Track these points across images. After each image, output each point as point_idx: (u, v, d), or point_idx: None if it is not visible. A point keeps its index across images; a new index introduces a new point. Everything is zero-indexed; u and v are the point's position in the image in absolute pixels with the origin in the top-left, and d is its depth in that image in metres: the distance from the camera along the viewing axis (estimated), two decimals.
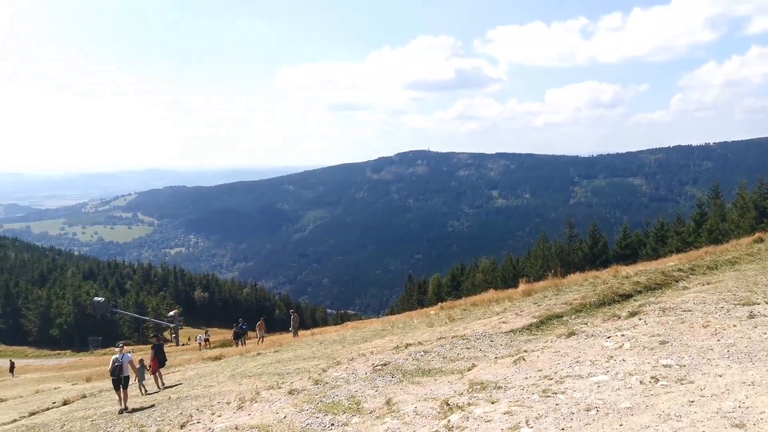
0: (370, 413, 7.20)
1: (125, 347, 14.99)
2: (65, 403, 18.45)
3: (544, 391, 6.49)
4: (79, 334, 65.08)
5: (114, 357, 13.91)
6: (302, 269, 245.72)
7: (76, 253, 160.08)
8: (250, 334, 41.73)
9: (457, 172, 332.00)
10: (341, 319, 79.88)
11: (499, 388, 7.04)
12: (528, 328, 11.48)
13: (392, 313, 57.18)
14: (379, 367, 10.06)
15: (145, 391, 15.87)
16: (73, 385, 27.02)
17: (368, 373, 9.74)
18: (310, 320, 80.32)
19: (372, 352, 12.46)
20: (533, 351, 8.97)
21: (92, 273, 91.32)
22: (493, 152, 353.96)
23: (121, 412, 12.89)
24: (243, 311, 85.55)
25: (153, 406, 13.04)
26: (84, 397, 19.32)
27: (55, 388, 26.64)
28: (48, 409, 18.03)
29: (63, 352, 62.50)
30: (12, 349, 64.43)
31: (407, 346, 12.14)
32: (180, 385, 16.47)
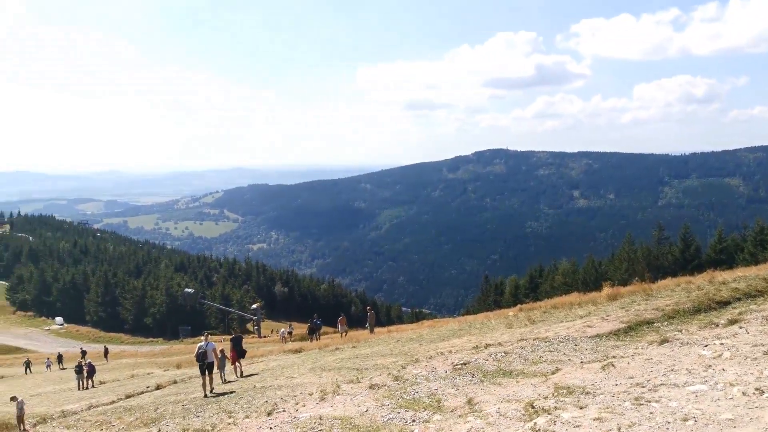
0: (451, 411, 7.17)
1: (210, 336, 16.15)
2: (158, 388, 19.68)
3: (636, 398, 6.21)
4: (171, 323, 69.00)
5: (199, 344, 15.12)
6: (378, 267, 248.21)
7: (169, 246, 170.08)
8: (327, 329, 42.72)
9: (537, 172, 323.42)
10: (416, 318, 79.99)
11: (587, 393, 6.80)
12: (615, 333, 11.02)
13: (468, 313, 56.55)
14: (459, 366, 10.00)
15: (225, 379, 16.74)
16: (164, 371, 28.73)
17: (448, 372, 9.71)
18: (385, 318, 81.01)
19: (450, 351, 12.40)
20: (623, 357, 8.60)
21: (183, 266, 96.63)
22: (575, 151, 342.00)
23: (205, 395, 14.19)
24: (320, 307, 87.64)
25: (234, 392, 13.98)
26: (175, 382, 20.53)
27: (149, 374, 28.44)
28: (142, 392, 19.30)
29: (155, 339, 66.51)
30: (110, 335, 69.43)
31: (486, 346, 12.00)
32: (256, 375, 17.24)
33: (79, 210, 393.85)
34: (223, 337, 39.07)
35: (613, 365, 8.05)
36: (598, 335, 11.04)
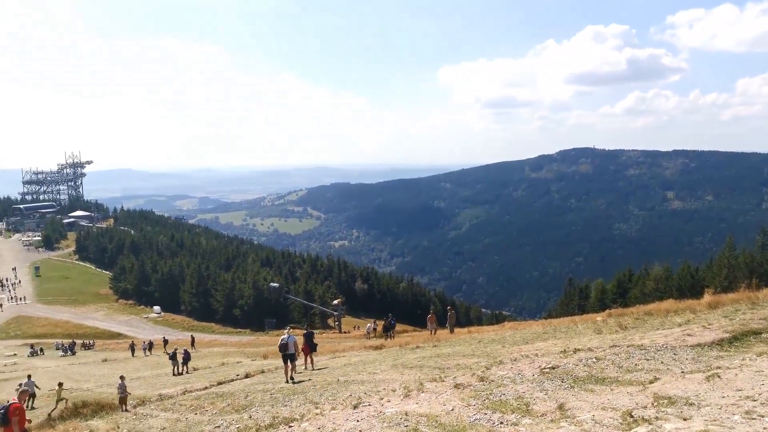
0: (541, 416, 6.98)
1: (291, 330, 17.14)
2: (247, 376, 20.56)
3: (747, 412, 5.76)
4: (257, 315, 71.86)
5: (282, 337, 16.53)
6: (457, 267, 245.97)
7: (255, 242, 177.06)
8: (406, 327, 42.91)
9: (626, 171, 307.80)
10: (496, 319, 78.54)
11: (690, 404, 6.40)
12: (719, 343, 10.29)
13: (550, 316, 54.79)
14: (547, 370, 9.72)
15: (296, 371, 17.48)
16: (252, 360, 29.98)
17: (535, 375, 9.46)
18: (465, 318, 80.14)
19: (536, 355, 12.08)
20: (729, 368, 8.01)
21: (268, 261, 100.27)
22: (669, 149, 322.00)
23: (287, 381, 15.71)
24: (400, 305, 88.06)
25: (310, 379, 15.28)
26: (262, 372, 21.36)
27: (237, 362, 29.77)
28: (232, 380, 20.23)
29: (243, 330, 69.50)
30: (202, 324, 73.30)
31: (575, 351, 11.57)
32: (326, 369, 17.76)
33: (176, 206, 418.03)
34: (297, 331, 40.15)
35: (718, 376, 7.52)
36: (699, 344, 10.36)
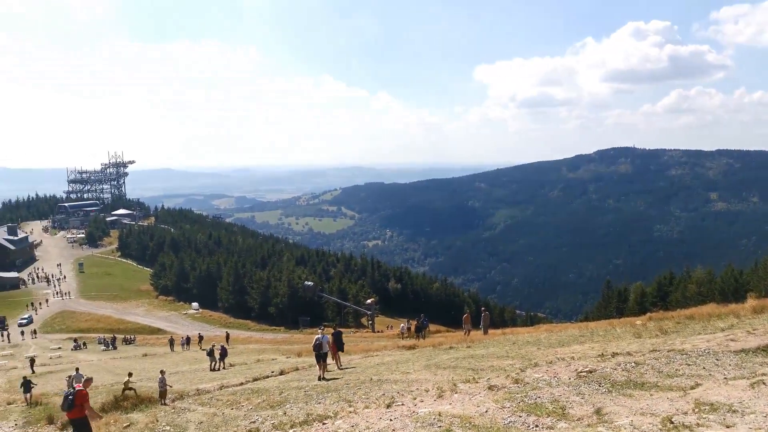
0: (577, 420, 6.87)
1: (326, 329, 17.34)
2: (281, 373, 20.80)
3: None
4: (292, 313, 72.68)
5: (317, 336, 17.06)
6: (491, 268, 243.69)
7: (291, 241, 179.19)
8: (439, 328, 42.74)
9: (667, 172, 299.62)
10: (531, 321, 77.52)
11: (734, 411, 6.20)
12: (764, 348, 9.94)
13: (587, 319, 53.72)
14: (584, 373, 9.55)
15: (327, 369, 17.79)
16: (287, 357, 30.30)
17: (572, 379, 9.31)
18: (499, 319, 79.35)
19: (573, 358, 11.89)
20: None
21: (303, 259, 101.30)
22: (713, 149, 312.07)
23: (320, 378, 16.15)
24: (433, 305, 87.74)
25: (342, 377, 15.48)
26: (297, 369, 21.58)
27: (273, 359, 30.12)
28: (267, 376, 20.49)
29: (278, 328, 70.39)
30: (238, 321, 74.55)
31: (614, 355, 11.34)
32: (358, 368, 17.88)
33: (214, 205, 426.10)
34: (342, 330, 40.38)
35: (764, 383, 7.27)
36: (743, 350, 10.02)
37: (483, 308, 37.33)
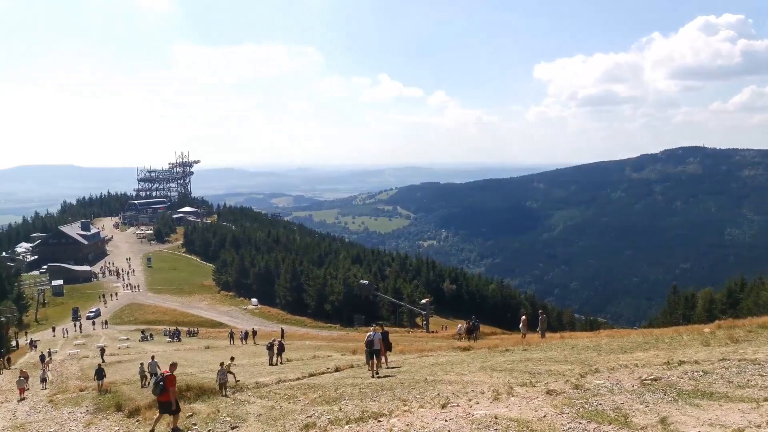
0: (641, 429, 6.63)
1: (378, 327, 18.39)
2: (336, 370, 21.05)
3: None
4: (347, 311, 73.49)
5: (369, 333, 17.41)
6: (549, 270, 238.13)
7: (347, 239, 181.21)
8: (494, 330, 42.11)
9: (740, 172, 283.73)
10: (590, 326, 75.17)
11: None
12: None
13: (651, 326, 51.64)
14: (648, 381, 9.20)
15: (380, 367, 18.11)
16: (342, 355, 30.65)
17: (635, 387, 8.98)
18: (556, 323, 77.40)
19: (636, 365, 11.47)
20: None
21: (359, 258, 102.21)
22: None
23: (372, 375, 16.53)
24: (488, 307, 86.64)
25: (396, 376, 15.66)
26: (352, 367, 21.78)
27: (328, 356, 30.54)
28: (323, 373, 20.78)
29: (333, 325, 71.39)
30: (295, 318, 76.09)
31: (680, 363, 10.86)
32: (400, 368, 17.94)
33: (273, 203, 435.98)
34: (396, 329, 40.53)
35: None
36: None
37: (540, 311, 36.52)
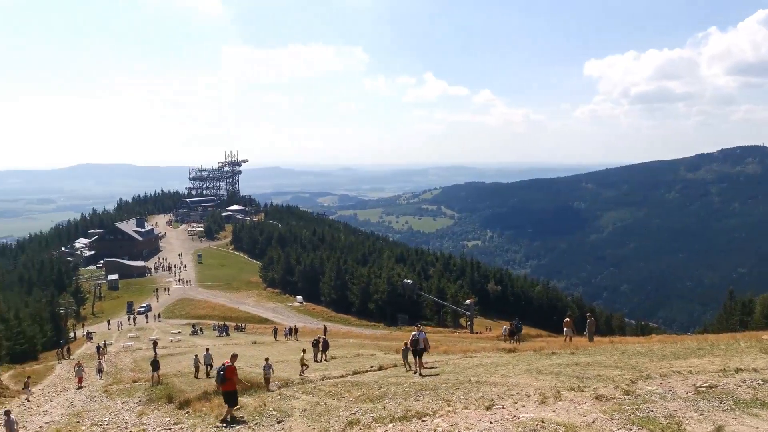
0: None
1: (422, 327, 18.90)
2: (380, 368, 21.13)
3: None
4: (390, 310, 73.65)
5: (413, 333, 17.76)
6: (598, 272, 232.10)
7: (390, 239, 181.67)
8: (540, 332, 41.32)
9: None
10: (641, 331, 72.91)
11: None
12: None
13: (705, 332, 49.71)
14: (703, 389, 8.86)
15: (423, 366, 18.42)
16: (385, 354, 30.71)
17: (689, 394, 8.67)
18: (605, 327, 75.46)
19: (690, 372, 11.07)
20: None
21: (402, 257, 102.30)
22: None
23: (415, 373, 16.94)
24: (534, 308, 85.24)
25: (438, 375, 15.85)
26: (395, 366, 21.81)
27: (372, 354, 30.68)
28: (367, 371, 20.90)
29: (377, 324, 71.63)
30: (339, 316, 76.76)
31: (737, 371, 10.42)
32: (443, 368, 17.87)
33: (318, 202, 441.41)
34: (440, 329, 40.34)
35: None
36: None
37: (588, 314, 35.65)
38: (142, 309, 73.07)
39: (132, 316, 68.96)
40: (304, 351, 23.06)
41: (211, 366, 25.01)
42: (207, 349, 27.31)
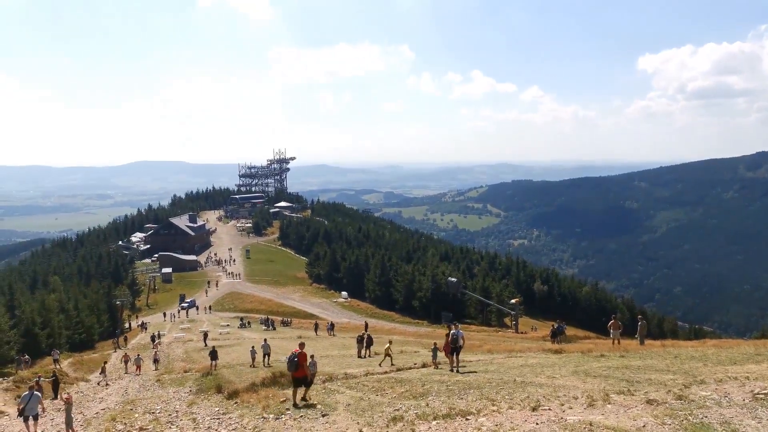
0: None
1: (458, 325, 19.19)
2: (423, 366, 21.02)
3: None
4: (434, 307, 73.32)
5: (452, 332, 18.17)
6: (650, 274, 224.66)
7: (435, 237, 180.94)
8: (588, 334, 40.33)
9: None
10: (695, 335, 70.18)
11: None
12: None
13: (764, 337, 47.50)
14: (762, 396, 8.49)
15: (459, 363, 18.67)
16: (429, 351, 30.70)
17: (746, 401, 8.33)
18: (656, 330, 73.07)
19: (748, 378, 10.62)
20: None
21: (447, 255, 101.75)
22: None
23: (451, 370, 17.59)
24: (581, 310, 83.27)
25: (483, 374, 15.89)
26: (439, 364, 21.81)
27: (415, 352, 30.71)
28: (410, 368, 20.92)
29: (421, 321, 71.52)
30: (383, 312, 77.01)
31: None
32: (465, 367, 17.90)
33: (364, 200, 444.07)
34: (485, 328, 39.73)
35: None
36: None
37: (639, 316, 34.60)
38: (186, 304, 74.07)
39: (178, 311, 70.98)
40: (390, 342, 24.16)
41: (269, 356, 27.09)
42: (265, 340, 29.12)
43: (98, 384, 27.10)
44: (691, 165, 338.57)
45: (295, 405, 13.21)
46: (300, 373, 13.65)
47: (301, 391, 13.87)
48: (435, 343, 20.74)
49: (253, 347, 28.48)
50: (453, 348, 17.95)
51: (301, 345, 14.24)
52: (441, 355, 19.94)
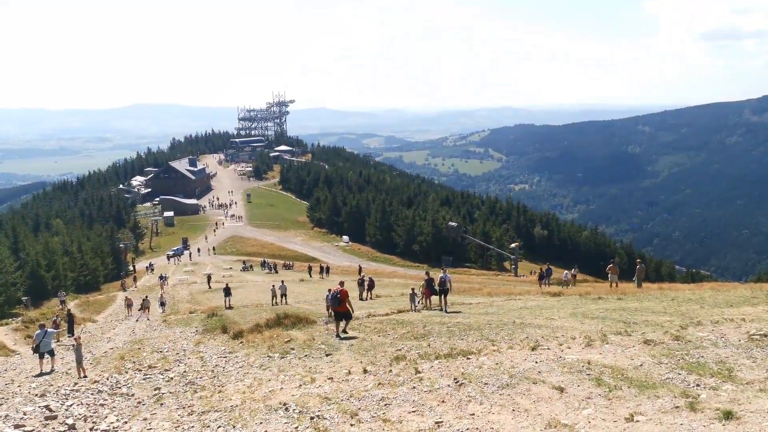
0: (746, 384, 6.33)
1: (447, 269, 20.66)
2: (425, 308, 21.52)
3: None
4: (435, 252, 74.13)
5: (441, 275, 19.48)
6: (649, 219, 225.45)
7: (436, 181, 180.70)
8: (586, 277, 40.88)
9: None
10: (692, 279, 71.25)
11: None
12: None
13: (759, 280, 48.16)
14: (757, 336, 8.67)
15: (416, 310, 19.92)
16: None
17: (741, 341, 8.51)
18: (654, 274, 73.88)
19: (743, 320, 10.81)
20: None
21: (448, 200, 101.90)
22: None
23: (440, 310, 18.72)
24: (580, 254, 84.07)
25: (460, 312, 17.31)
26: (417, 307, 22.21)
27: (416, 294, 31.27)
28: (410, 310, 21.37)
29: (421, 265, 72.19)
30: (384, 256, 77.97)
31: None
32: (458, 312, 18.17)
33: (364, 144, 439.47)
34: (484, 272, 39.92)
35: None
36: None
37: (638, 260, 34.94)
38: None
39: (188, 251, 71.49)
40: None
41: (285, 296, 29.45)
42: (282, 281, 31.54)
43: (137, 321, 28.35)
44: (696, 109, 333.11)
45: (337, 335, 14.45)
46: (342, 308, 14.86)
47: (342, 324, 14.98)
48: (413, 288, 21.54)
49: (273, 286, 30.22)
50: (441, 290, 19.22)
51: (341, 283, 15.53)
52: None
